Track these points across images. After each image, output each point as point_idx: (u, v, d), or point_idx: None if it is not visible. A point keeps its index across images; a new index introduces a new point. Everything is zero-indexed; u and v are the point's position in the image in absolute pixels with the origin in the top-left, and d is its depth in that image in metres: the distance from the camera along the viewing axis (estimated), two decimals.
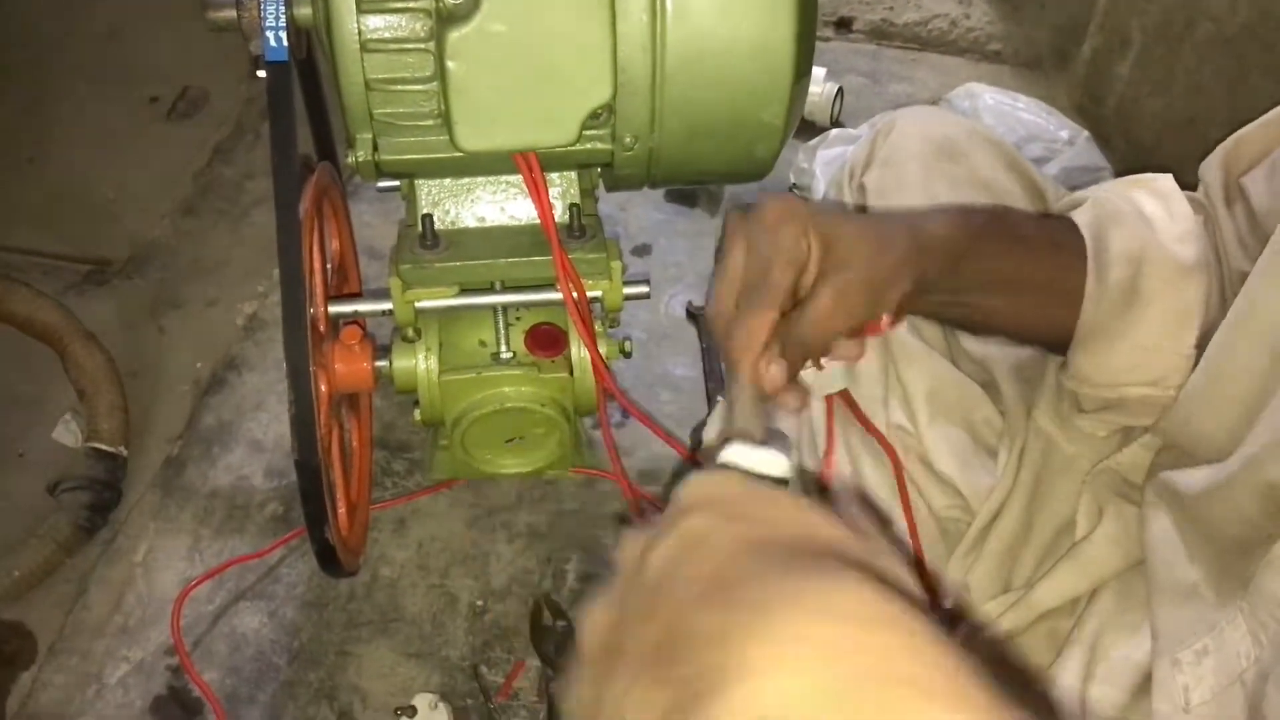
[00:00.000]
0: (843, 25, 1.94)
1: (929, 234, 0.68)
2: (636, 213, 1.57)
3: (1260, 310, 0.65)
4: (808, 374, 0.67)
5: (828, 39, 1.92)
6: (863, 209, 0.89)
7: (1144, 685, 0.70)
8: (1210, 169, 0.77)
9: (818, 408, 0.91)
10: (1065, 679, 0.74)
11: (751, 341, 0.60)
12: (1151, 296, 0.72)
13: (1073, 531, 0.79)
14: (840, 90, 1.71)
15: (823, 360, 0.67)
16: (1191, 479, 0.67)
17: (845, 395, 0.75)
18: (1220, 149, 0.76)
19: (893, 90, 1.82)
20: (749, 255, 0.63)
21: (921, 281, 0.66)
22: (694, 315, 1.42)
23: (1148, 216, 0.75)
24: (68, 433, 1.26)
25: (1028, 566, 0.81)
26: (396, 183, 0.98)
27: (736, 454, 0.45)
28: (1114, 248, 0.72)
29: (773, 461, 0.45)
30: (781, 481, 0.45)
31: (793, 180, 1.61)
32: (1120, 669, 0.73)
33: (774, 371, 0.59)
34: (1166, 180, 0.77)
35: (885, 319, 0.67)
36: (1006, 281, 0.72)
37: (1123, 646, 0.74)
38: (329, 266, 1.07)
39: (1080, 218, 0.75)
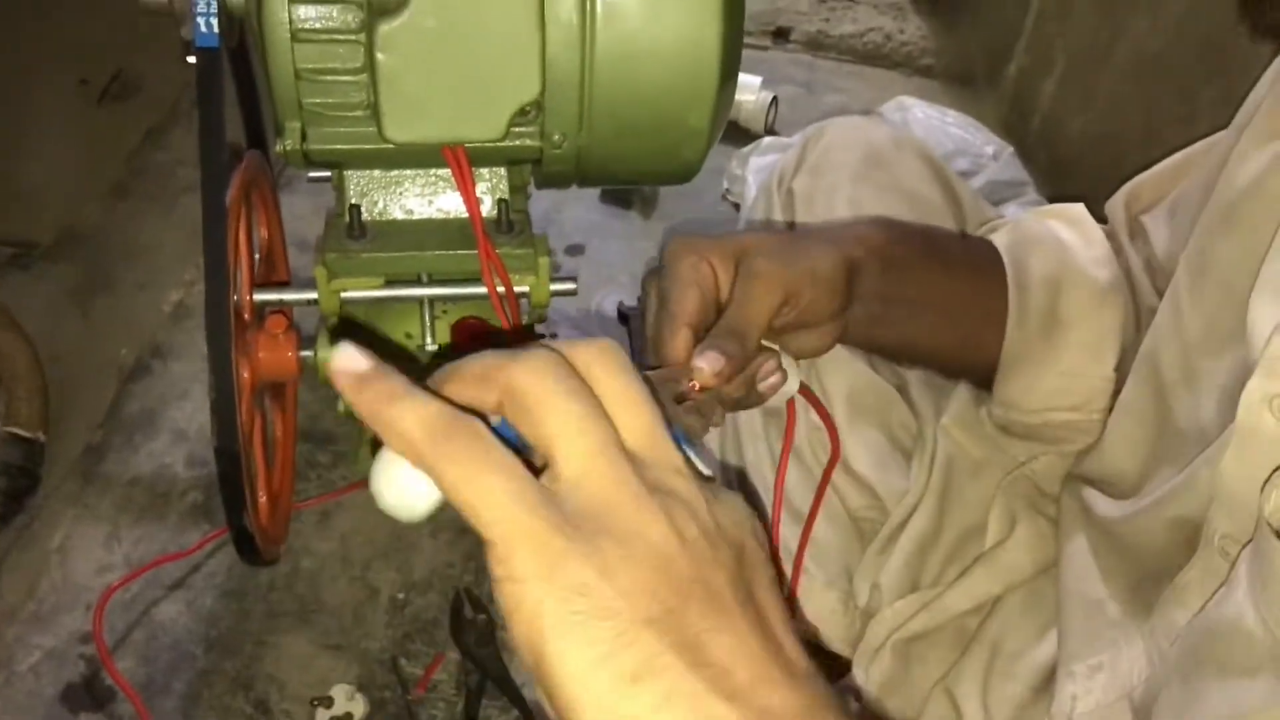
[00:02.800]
0: (780, 35, 1.97)
1: (857, 230, 0.71)
2: (571, 213, 1.58)
3: (1148, 352, 0.68)
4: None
5: (765, 48, 1.95)
6: (791, 223, 0.91)
7: (1044, 684, 0.73)
8: (1114, 208, 0.80)
9: (743, 423, 0.93)
10: (969, 674, 0.77)
11: (672, 363, 0.60)
12: (1071, 321, 0.73)
13: (980, 535, 0.81)
14: (775, 99, 1.74)
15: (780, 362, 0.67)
16: (1109, 505, 0.70)
17: (804, 391, 0.75)
18: (1121, 191, 0.79)
19: (827, 101, 1.86)
20: (657, 298, 0.64)
21: (851, 264, 0.67)
22: (625, 316, 1.43)
23: (1064, 242, 0.77)
24: None
25: (935, 567, 0.83)
26: (328, 173, 0.98)
27: None
28: (1033, 272, 0.74)
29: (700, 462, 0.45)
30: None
31: (726, 186, 1.64)
32: (1022, 666, 0.76)
33: (699, 362, 0.59)
34: (1078, 208, 0.80)
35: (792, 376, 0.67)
36: (933, 298, 0.73)
37: (1026, 646, 0.77)
38: (257, 255, 1.07)
39: (999, 240, 0.77)
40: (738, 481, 0.93)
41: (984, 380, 0.79)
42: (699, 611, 0.32)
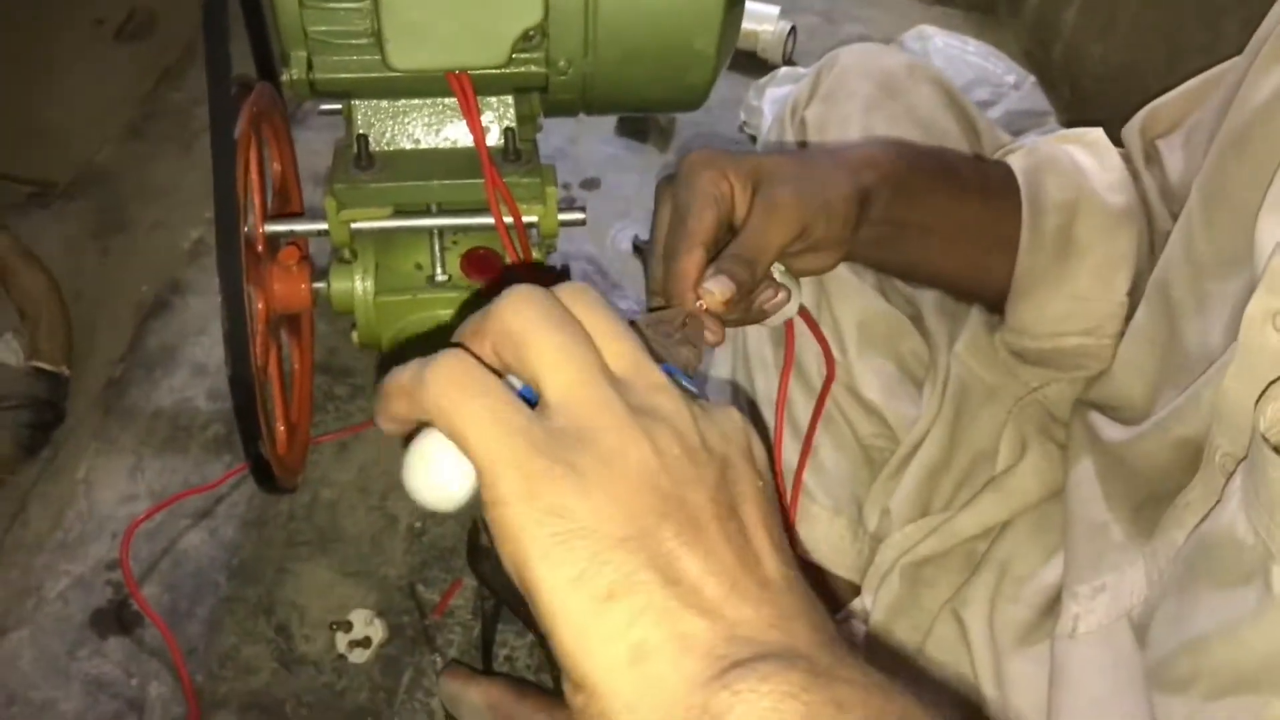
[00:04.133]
0: None
1: (867, 153, 0.70)
2: (586, 146, 1.58)
3: (1159, 276, 0.68)
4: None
5: None
6: (803, 144, 0.90)
7: (1050, 606, 0.74)
8: (1130, 133, 0.79)
9: (751, 335, 0.93)
10: (976, 597, 0.77)
11: (683, 283, 0.60)
12: (1086, 245, 0.73)
13: (991, 461, 0.81)
14: (793, 29, 1.72)
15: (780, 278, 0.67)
16: (1115, 429, 0.70)
17: (801, 312, 0.75)
18: (1138, 115, 0.78)
19: (846, 30, 1.83)
20: (672, 210, 0.64)
21: (864, 192, 0.67)
22: (640, 249, 1.44)
23: (1080, 166, 0.76)
24: (9, 352, 1.26)
25: (946, 492, 0.83)
26: (339, 105, 0.98)
27: None
28: (1049, 195, 0.73)
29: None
30: None
31: (743, 118, 1.62)
32: (1029, 589, 0.76)
33: (710, 285, 0.59)
34: (1097, 133, 0.79)
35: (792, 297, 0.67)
36: (943, 220, 0.73)
37: (1033, 569, 0.78)
38: (270, 188, 1.08)
39: (1015, 163, 0.76)
40: (749, 410, 0.94)
41: (995, 304, 0.78)
42: (675, 529, 0.32)
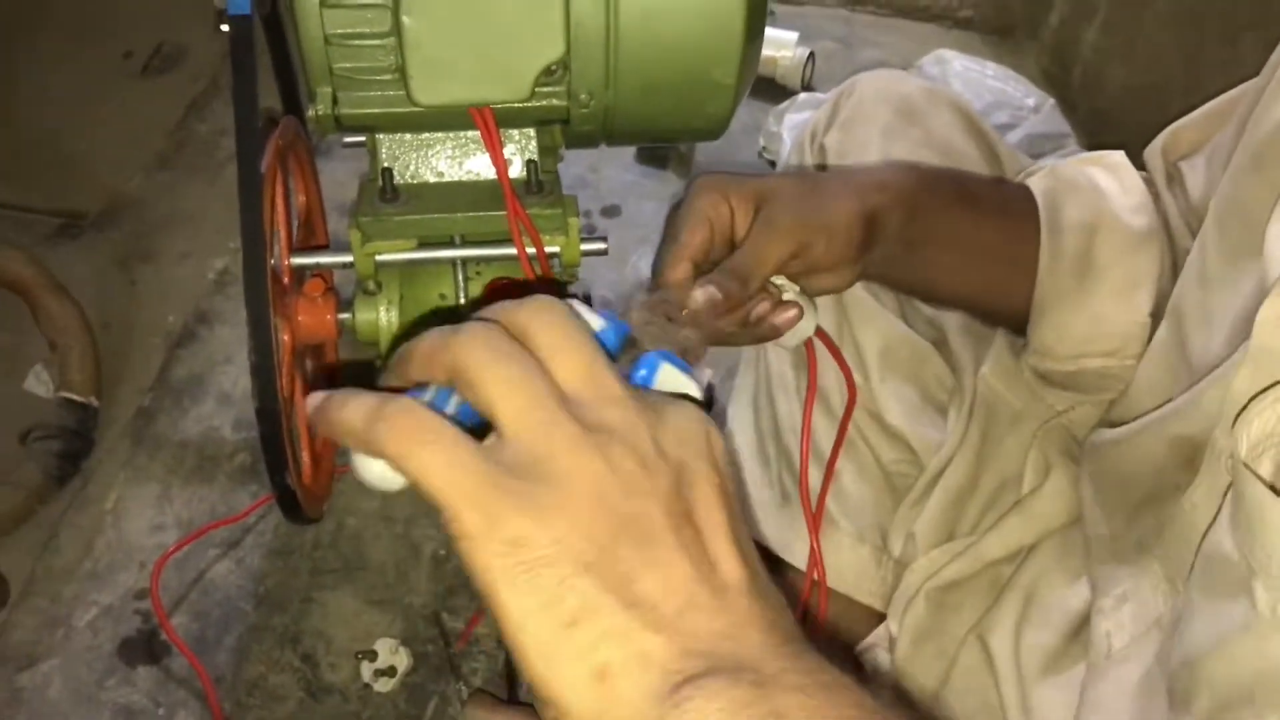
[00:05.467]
0: None
1: (882, 177, 0.70)
2: (607, 174, 1.59)
3: (1176, 296, 0.68)
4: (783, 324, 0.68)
5: (802, 3, 1.94)
6: (823, 169, 0.91)
7: (1076, 632, 0.73)
8: (1152, 155, 0.79)
9: (773, 357, 0.94)
10: (1002, 622, 0.77)
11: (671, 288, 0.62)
12: (1105, 266, 0.73)
13: (1017, 485, 0.81)
14: (812, 55, 1.73)
15: (793, 298, 0.68)
16: (1109, 432, 0.70)
17: (819, 334, 0.76)
18: (1160, 136, 0.78)
19: (864, 56, 1.84)
20: (668, 228, 0.66)
21: (871, 214, 0.68)
22: None
23: (1101, 188, 0.76)
24: (39, 383, 1.28)
25: (972, 517, 0.83)
26: (364, 138, 1.00)
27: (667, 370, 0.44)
28: (1068, 216, 0.74)
29: (694, 388, 0.46)
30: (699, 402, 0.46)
31: (762, 143, 1.63)
32: (1054, 614, 0.76)
33: (696, 293, 0.60)
34: (1118, 155, 0.79)
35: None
36: (959, 241, 0.73)
37: (1059, 593, 0.77)
38: (295, 220, 1.09)
39: (1035, 185, 0.77)
40: (771, 436, 0.94)
41: (1017, 325, 0.78)
42: (631, 546, 0.34)
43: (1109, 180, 0.77)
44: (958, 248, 0.74)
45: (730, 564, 0.35)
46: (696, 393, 0.43)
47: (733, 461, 0.40)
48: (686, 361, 0.45)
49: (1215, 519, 0.54)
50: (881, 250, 0.70)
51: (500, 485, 0.33)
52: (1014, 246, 0.75)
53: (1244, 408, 0.51)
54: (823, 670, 0.34)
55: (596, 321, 0.41)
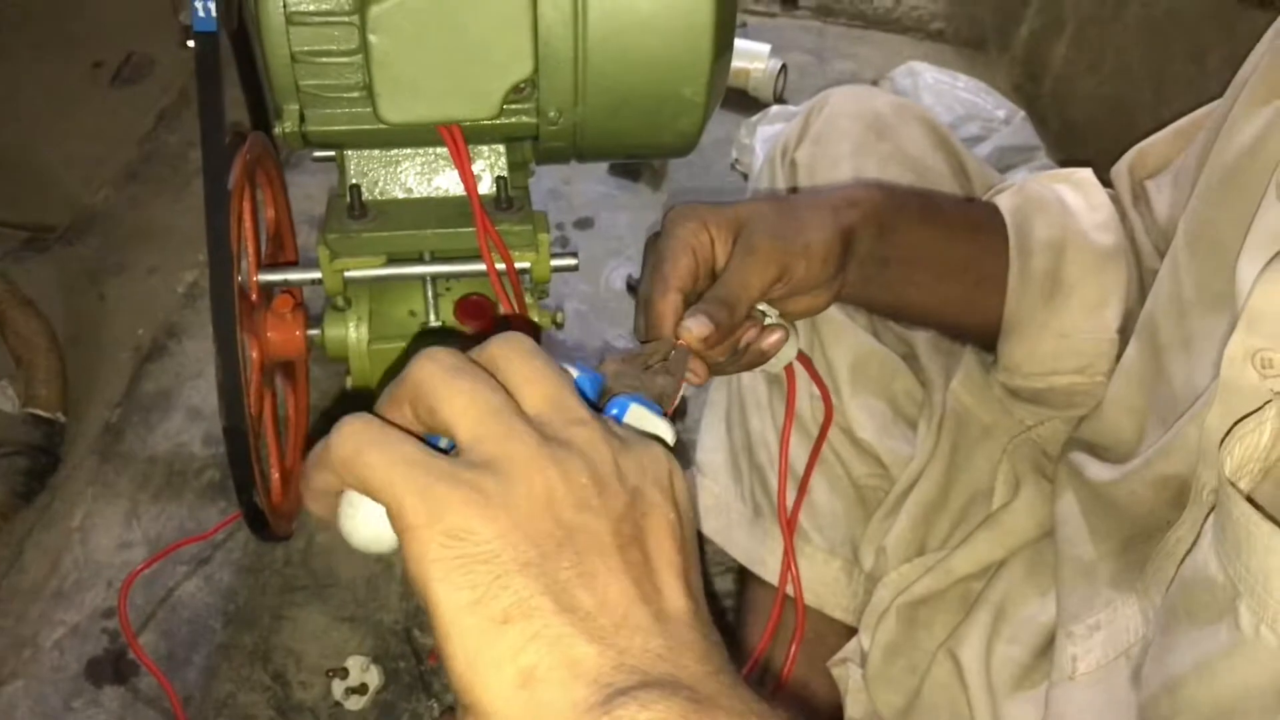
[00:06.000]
0: (789, 2, 1.96)
1: (851, 194, 0.71)
2: (580, 187, 1.59)
3: (1147, 315, 0.68)
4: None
5: (774, 15, 1.94)
6: (794, 189, 0.91)
7: (1046, 647, 0.74)
8: (1119, 174, 0.80)
9: (748, 380, 0.94)
10: (972, 637, 0.77)
11: (661, 324, 0.62)
12: (1074, 284, 0.74)
13: (988, 500, 0.82)
14: (784, 67, 1.73)
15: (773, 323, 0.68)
16: (1099, 469, 0.70)
17: (800, 357, 0.76)
18: (1126, 156, 0.79)
19: (837, 68, 1.85)
20: (652, 260, 0.65)
21: (846, 231, 0.68)
22: (634, 288, 1.44)
23: (1068, 205, 0.77)
24: (4, 399, 1.26)
25: (942, 531, 0.84)
26: (333, 153, 0.99)
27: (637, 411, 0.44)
28: (1036, 235, 0.74)
29: (665, 429, 0.46)
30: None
31: (735, 155, 1.64)
32: (1025, 630, 0.76)
33: (688, 323, 0.61)
34: (1085, 173, 0.80)
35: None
36: (929, 259, 0.74)
37: (1029, 609, 0.77)
38: (264, 236, 1.08)
39: (1003, 203, 0.77)
40: (744, 451, 0.94)
41: (987, 342, 0.79)
42: (576, 555, 0.33)
43: (1076, 198, 0.78)
44: (928, 265, 0.74)
45: (674, 594, 0.35)
46: (668, 435, 0.43)
47: (692, 507, 0.39)
48: (660, 407, 0.45)
49: (1195, 543, 0.55)
50: (856, 269, 0.70)
51: (448, 478, 0.33)
52: (983, 264, 0.75)
53: (1228, 433, 0.51)
54: (757, 701, 0.33)
55: (571, 371, 0.41)
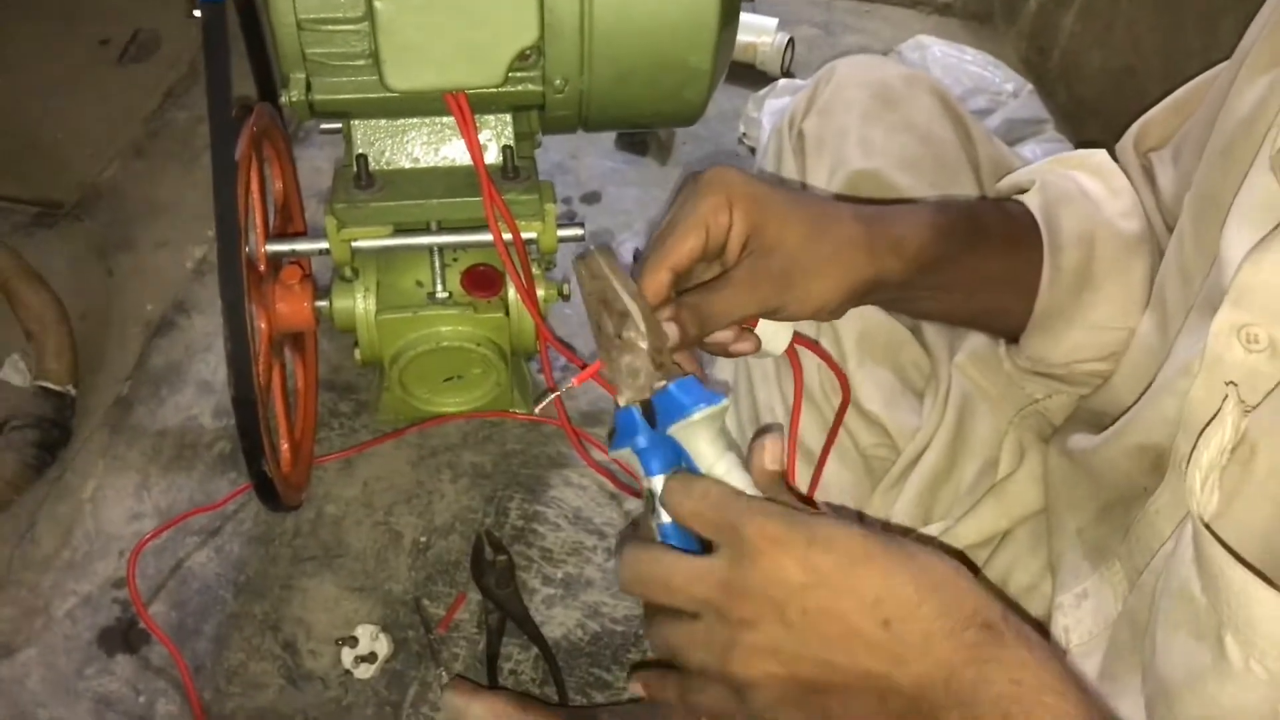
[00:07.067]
0: None
1: (897, 236, 0.66)
2: (587, 161, 1.58)
3: (1158, 287, 0.68)
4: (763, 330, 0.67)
5: None
6: (802, 170, 0.90)
7: (1049, 617, 0.74)
8: (1124, 150, 0.79)
9: (754, 365, 0.94)
10: None
11: (645, 291, 0.59)
12: (1103, 277, 0.73)
13: (993, 471, 0.82)
14: (791, 41, 1.72)
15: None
16: (1080, 439, 0.70)
17: (806, 341, 0.75)
18: (1130, 132, 0.78)
19: (845, 41, 1.84)
20: (668, 217, 0.63)
21: (878, 281, 0.65)
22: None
23: (1090, 195, 0.76)
24: (16, 372, 1.27)
25: (947, 502, 0.84)
26: (340, 124, 0.99)
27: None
28: (1065, 231, 0.73)
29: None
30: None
31: (742, 129, 1.63)
32: (1028, 600, 0.77)
33: (665, 325, 0.59)
34: (1100, 155, 0.79)
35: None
36: (964, 281, 0.72)
37: (1032, 579, 0.78)
38: (271, 208, 1.09)
39: (1031, 202, 0.75)
40: (751, 423, 0.94)
41: (1008, 337, 0.79)
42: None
43: (1096, 185, 0.77)
44: (963, 286, 0.72)
45: None
46: (721, 400, 0.53)
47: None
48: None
49: (1177, 538, 0.55)
50: (877, 297, 0.69)
51: None
52: (1019, 276, 0.73)
53: (1195, 444, 0.51)
54: None
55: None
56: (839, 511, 0.84)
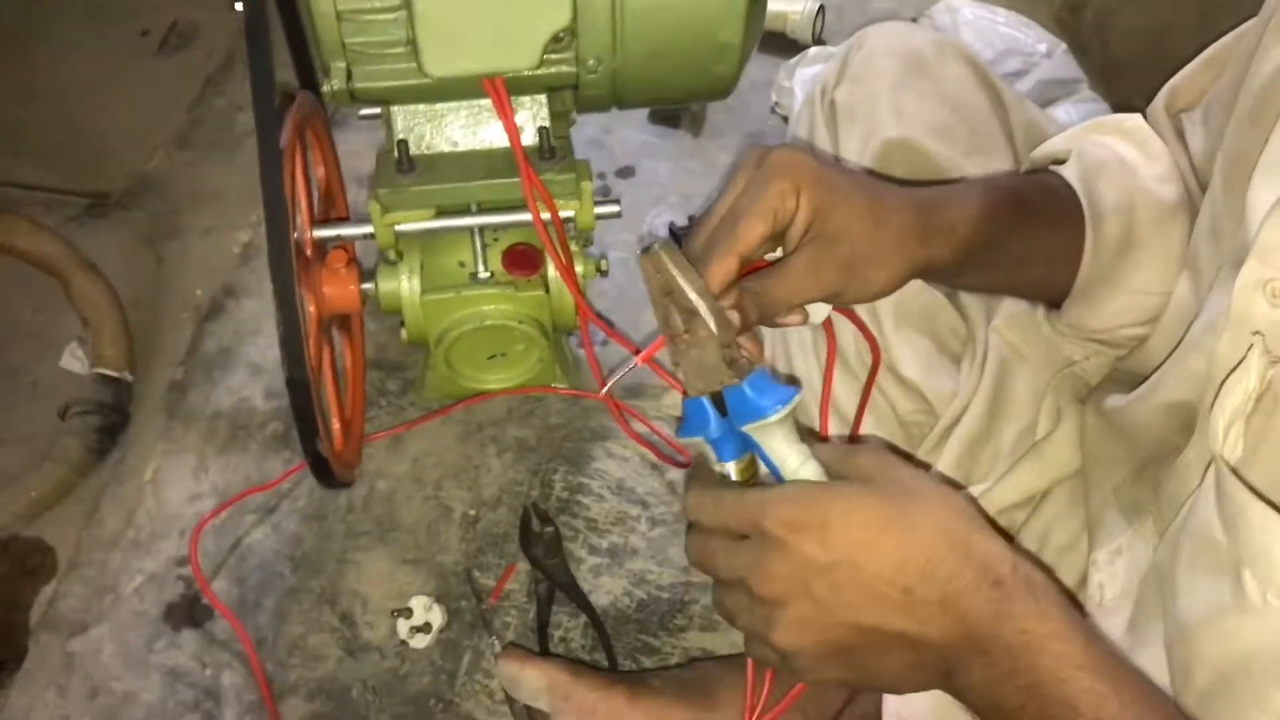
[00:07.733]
0: None
1: (947, 221, 0.68)
2: (621, 135, 1.60)
3: (1192, 247, 0.68)
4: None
5: None
6: (833, 124, 0.91)
7: (1087, 577, 0.75)
8: (1156, 112, 0.79)
9: (792, 335, 0.95)
10: None
11: (709, 279, 0.60)
12: (1143, 243, 0.74)
13: (1031, 434, 0.82)
14: (822, 8, 1.72)
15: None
16: (1114, 398, 0.71)
17: (843, 310, 0.76)
18: (1160, 94, 0.78)
19: (875, 7, 1.83)
20: (734, 200, 0.63)
21: (929, 267, 0.67)
22: (676, 236, 1.45)
23: (1127, 162, 0.76)
24: (74, 360, 1.31)
25: (986, 464, 0.85)
26: (378, 110, 1.02)
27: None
28: (1105, 200, 0.74)
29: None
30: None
31: (774, 99, 1.63)
32: (1067, 558, 0.78)
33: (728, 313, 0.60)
34: (1135, 119, 0.79)
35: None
36: (1010, 258, 0.73)
37: (1070, 538, 0.79)
38: (315, 193, 1.11)
39: (1070, 174, 0.76)
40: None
41: (1050, 303, 0.80)
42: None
43: (1133, 151, 0.77)
44: (1007, 264, 0.74)
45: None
46: (794, 396, 0.56)
47: None
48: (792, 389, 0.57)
49: (1201, 484, 0.56)
50: (927, 277, 0.71)
51: None
52: (1060, 247, 0.75)
53: (1219, 390, 0.52)
54: None
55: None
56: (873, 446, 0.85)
